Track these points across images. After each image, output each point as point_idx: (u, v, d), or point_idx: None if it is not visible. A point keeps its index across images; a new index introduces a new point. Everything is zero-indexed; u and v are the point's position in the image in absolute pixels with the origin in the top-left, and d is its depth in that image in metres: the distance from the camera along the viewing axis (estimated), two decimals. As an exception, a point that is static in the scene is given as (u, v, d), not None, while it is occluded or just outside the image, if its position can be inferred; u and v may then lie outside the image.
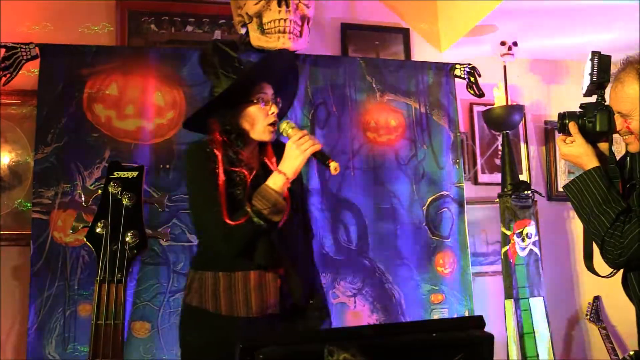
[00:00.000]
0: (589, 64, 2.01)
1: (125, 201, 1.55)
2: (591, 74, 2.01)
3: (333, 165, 1.99)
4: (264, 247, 2.02)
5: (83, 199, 1.71)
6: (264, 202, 1.96)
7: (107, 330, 1.45)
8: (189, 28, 3.31)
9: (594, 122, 2.00)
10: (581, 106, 2.05)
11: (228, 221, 1.95)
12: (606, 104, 2.02)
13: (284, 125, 2.09)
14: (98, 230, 1.52)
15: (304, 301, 2.14)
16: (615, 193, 1.93)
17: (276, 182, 2.00)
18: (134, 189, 1.57)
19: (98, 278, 1.48)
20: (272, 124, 2.11)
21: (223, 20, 3.33)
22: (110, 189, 1.55)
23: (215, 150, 2.05)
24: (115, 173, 1.58)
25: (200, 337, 2.06)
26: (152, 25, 3.24)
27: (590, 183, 1.96)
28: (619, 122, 1.97)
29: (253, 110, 2.10)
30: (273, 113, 2.10)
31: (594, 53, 2.01)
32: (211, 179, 2.00)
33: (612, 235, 1.88)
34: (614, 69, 2.00)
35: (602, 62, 2.00)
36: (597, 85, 2.01)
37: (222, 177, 2.01)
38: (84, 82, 2.83)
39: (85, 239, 1.53)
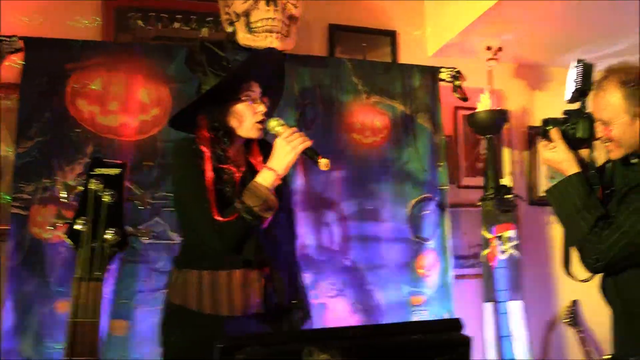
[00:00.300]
0: (573, 71, 2.05)
1: (106, 198, 1.54)
2: (575, 81, 2.04)
3: (323, 161, 2.00)
4: (251, 243, 2.02)
5: (64, 194, 1.70)
6: (254, 198, 1.96)
7: (84, 329, 1.44)
8: (176, 25, 3.29)
9: (576, 128, 2.04)
10: (564, 112, 2.09)
11: (218, 218, 1.95)
12: (588, 111, 2.05)
13: (273, 123, 2.09)
14: (78, 227, 1.51)
15: (287, 301, 2.15)
16: (594, 199, 1.97)
17: (266, 178, 2.00)
18: (115, 186, 1.56)
19: (76, 275, 1.47)
20: (260, 122, 2.12)
21: (210, 18, 3.32)
22: (92, 186, 1.54)
23: (203, 147, 2.05)
24: (96, 170, 1.57)
25: (183, 336, 2.05)
26: (138, 22, 3.22)
27: (571, 188, 1.99)
28: (600, 129, 2.01)
29: (241, 107, 2.10)
30: (260, 111, 2.11)
31: (578, 61, 2.05)
32: (199, 176, 2.00)
33: (590, 241, 1.91)
34: (597, 77, 2.04)
35: (585, 70, 2.04)
36: (580, 92, 2.05)
37: (210, 174, 2.01)
38: (68, 76, 2.81)
39: (64, 236, 1.52)
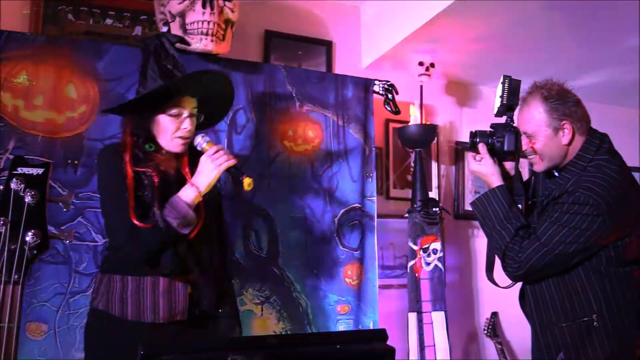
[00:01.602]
0: (500, 86, 2.15)
1: (27, 199, 1.48)
2: (502, 96, 2.15)
3: (247, 181, 2.02)
4: (171, 255, 1.99)
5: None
6: (174, 213, 1.95)
7: (0, 334, 1.38)
8: (109, 21, 3.21)
9: (502, 141, 2.15)
10: (491, 126, 2.19)
11: (136, 222, 1.92)
12: (514, 125, 2.15)
13: (199, 139, 2.08)
14: (-4, 227, 1.44)
15: (214, 309, 2.13)
16: (516, 210, 2.07)
17: (188, 194, 2.00)
18: (38, 187, 1.50)
19: (-7, 279, 1.40)
20: (183, 137, 2.09)
21: (144, 17, 3.25)
22: (12, 185, 1.48)
23: (124, 150, 2.04)
24: (19, 169, 1.51)
25: (106, 342, 2.01)
26: (69, 15, 3.12)
27: (494, 200, 2.09)
28: (524, 142, 2.11)
29: (164, 120, 2.07)
30: (185, 128, 2.08)
31: (505, 77, 2.15)
32: (121, 179, 1.97)
33: (511, 249, 2.01)
34: (523, 93, 2.15)
35: (512, 86, 2.15)
36: (507, 107, 2.16)
37: (129, 176, 1.98)
38: (-9, 68, 2.69)
39: (-20, 236, 1.45)
